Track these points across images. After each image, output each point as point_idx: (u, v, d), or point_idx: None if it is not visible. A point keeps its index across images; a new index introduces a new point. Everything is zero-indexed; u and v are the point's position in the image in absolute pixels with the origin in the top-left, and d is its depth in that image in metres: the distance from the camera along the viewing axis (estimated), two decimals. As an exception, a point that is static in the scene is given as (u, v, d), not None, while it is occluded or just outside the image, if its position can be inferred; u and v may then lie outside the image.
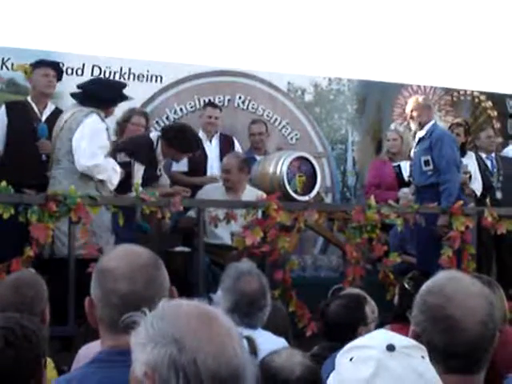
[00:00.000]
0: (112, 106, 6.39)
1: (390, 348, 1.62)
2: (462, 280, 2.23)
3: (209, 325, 1.53)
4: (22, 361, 2.63)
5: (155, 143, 6.88)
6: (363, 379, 1.58)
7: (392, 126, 8.48)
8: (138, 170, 6.69)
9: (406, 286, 5.12)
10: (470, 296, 2.14)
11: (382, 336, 1.68)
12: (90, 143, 6.02)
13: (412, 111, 7.40)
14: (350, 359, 1.65)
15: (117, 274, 2.19)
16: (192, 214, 6.84)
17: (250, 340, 3.03)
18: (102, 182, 6.12)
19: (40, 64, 6.80)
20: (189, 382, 1.48)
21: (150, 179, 6.76)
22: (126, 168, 6.50)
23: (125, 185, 6.41)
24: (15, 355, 2.63)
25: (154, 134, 7.07)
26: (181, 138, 6.81)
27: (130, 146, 6.82)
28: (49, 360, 2.79)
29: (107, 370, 2.13)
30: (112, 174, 6.19)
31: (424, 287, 2.23)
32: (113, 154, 6.43)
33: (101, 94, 6.29)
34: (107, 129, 6.22)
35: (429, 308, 2.15)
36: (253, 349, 3.03)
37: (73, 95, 6.41)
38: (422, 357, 1.64)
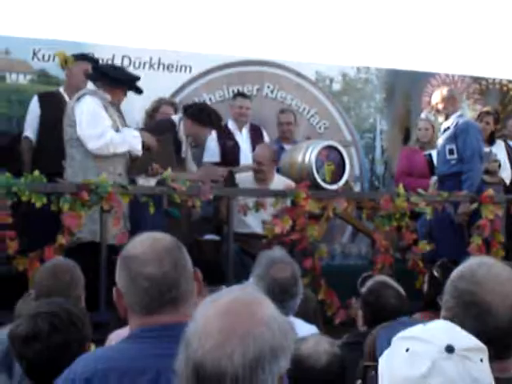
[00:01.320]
0: (119, 86, 6.35)
1: (449, 349, 1.60)
2: (493, 266, 2.24)
3: (223, 319, 1.55)
4: (69, 345, 2.69)
5: (177, 124, 6.94)
6: (414, 377, 1.57)
7: (423, 115, 8.45)
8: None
9: (435, 273, 5.14)
10: (501, 281, 2.16)
11: (443, 332, 1.65)
12: (91, 126, 6.06)
13: (437, 103, 7.40)
14: (407, 350, 1.64)
15: (144, 259, 2.22)
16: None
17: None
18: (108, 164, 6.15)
19: (82, 58, 6.85)
20: (182, 360, 1.55)
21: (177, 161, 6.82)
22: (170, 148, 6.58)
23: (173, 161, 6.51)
24: (62, 339, 2.69)
25: (175, 116, 7.14)
26: (202, 113, 6.88)
27: (154, 128, 6.89)
28: (92, 345, 2.84)
29: (138, 345, 2.18)
30: (132, 142, 6.23)
31: (455, 273, 2.25)
32: None
33: (109, 72, 6.36)
34: (105, 106, 6.20)
35: (460, 293, 2.17)
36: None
37: (86, 75, 6.51)
38: (481, 360, 1.62)
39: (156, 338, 2.17)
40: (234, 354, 1.51)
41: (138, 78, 6.50)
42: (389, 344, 1.75)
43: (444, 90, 7.59)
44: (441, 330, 1.67)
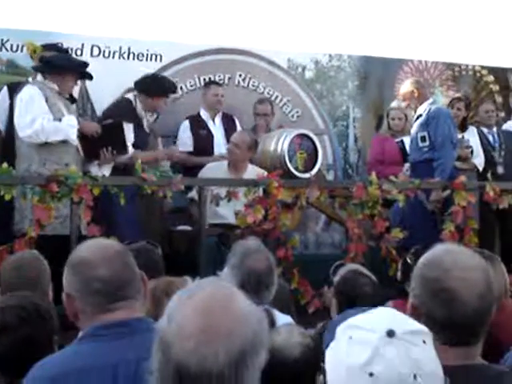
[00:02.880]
0: (65, 74, 6.34)
1: (390, 334, 1.61)
2: (460, 253, 2.24)
3: (204, 318, 1.54)
4: (37, 338, 2.68)
5: (134, 102, 6.95)
6: (357, 365, 1.58)
7: (395, 104, 8.47)
8: (128, 130, 6.72)
9: (409, 261, 5.14)
10: (468, 269, 2.16)
11: (384, 318, 1.67)
12: (22, 114, 6.09)
13: (408, 93, 7.41)
14: (350, 337, 1.65)
15: (95, 262, 2.30)
16: (194, 193, 6.87)
17: (268, 312, 3.05)
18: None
19: (51, 48, 6.78)
20: (160, 360, 1.53)
21: (140, 141, 6.84)
22: (118, 132, 6.57)
23: (120, 147, 6.50)
24: (30, 332, 2.68)
25: (130, 94, 7.12)
26: (152, 85, 6.93)
27: (113, 110, 6.92)
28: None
29: (94, 343, 2.22)
30: (68, 130, 6.20)
31: (422, 260, 2.25)
32: (101, 122, 6.59)
33: (53, 60, 6.35)
34: (48, 95, 6.20)
35: (427, 281, 2.17)
36: (271, 322, 3.05)
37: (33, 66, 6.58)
38: (424, 342, 1.63)
39: (111, 334, 2.21)
40: (219, 352, 1.51)
41: (84, 64, 6.48)
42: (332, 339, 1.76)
43: (413, 79, 7.65)
44: (382, 317, 1.68)
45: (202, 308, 1.56)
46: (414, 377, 1.55)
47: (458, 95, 8.54)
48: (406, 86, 7.49)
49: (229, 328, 1.54)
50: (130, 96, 7.04)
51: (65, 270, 2.36)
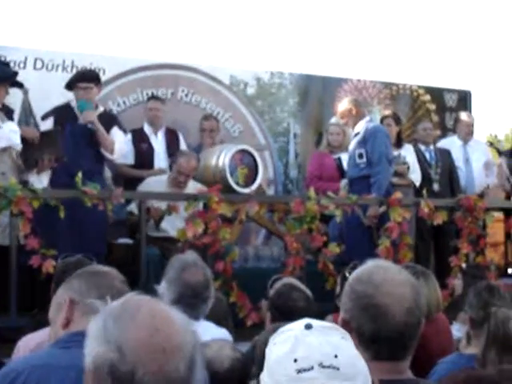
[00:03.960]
0: None
1: (308, 326, 1.67)
2: (389, 269, 2.30)
3: (158, 339, 1.54)
4: None
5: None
6: (283, 354, 1.63)
7: (334, 120, 8.61)
8: None
9: (347, 275, 5.22)
10: (397, 284, 2.21)
11: (301, 320, 1.73)
12: None
13: (346, 111, 7.54)
14: (274, 343, 1.70)
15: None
16: (133, 207, 6.90)
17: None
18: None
19: None
20: None
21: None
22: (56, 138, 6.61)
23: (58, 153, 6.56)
24: None
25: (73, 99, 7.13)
26: None
27: (54, 115, 6.95)
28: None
29: (65, 349, 2.28)
30: (11, 137, 6.20)
31: (352, 276, 2.31)
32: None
33: None
34: None
35: (357, 296, 2.22)
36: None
37: None
38: (342, 337, 1.68)
39: (82, 341, 2.26)
40: (180, 366, 1.53)
41: (13, 73, 6.46)
42: None
43: (351, 98, 7.79)
44: (300, 320, 1.73)
45: (151, 329, 1.55)
46: (335, 356, 1.61)
47: (386, 113, 8.72)
48: (344, 104, 7.61)
49: (179, 340, 1.56)
50: (73, 102, 7.05)
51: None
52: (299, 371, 1.60)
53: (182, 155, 7.23)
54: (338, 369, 1.60)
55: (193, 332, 1.62)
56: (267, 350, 1.72)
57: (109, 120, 7.11)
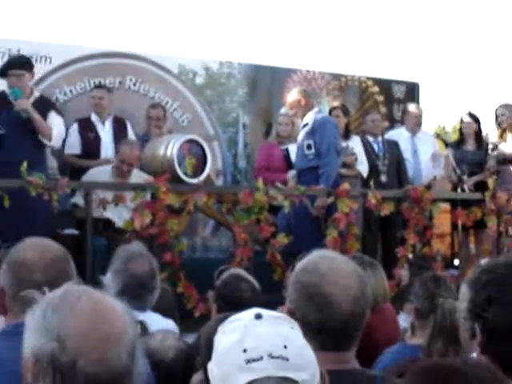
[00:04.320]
0: None
1: (258, 316, 1.66)
2: (335, 259, 2.31)
3: (98, 327, 1.54)
4: None
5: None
6: (232, 344, 1.62)
7: (283, 110, 8.61)
8: None
9: (298, 266, 5.23)
10: (343, 274, 2.22)
11: (251, 310, 1.72)
12: None
13: (295, 101, 7.55)
14: (223, 332, 1.69)
15: (31, 266, 2.37)
16: (78, 198, 6.83)
17: (142, 324, 3.09)
18: None
19: None
20: (64, 382, 1.51)
21: None
22: None
23: None
24: None
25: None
26: None
27: None
28: None
29: (10, 340, 2.21)
30: None
31: (298, 266, 2.32)
32: None
33: None
34: None
35: (303, 286, 2.22)
36: (144, 331, 3.09)
37: None
38: (292, 328, 1.68)
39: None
40: (122, 354, 1.54)
41: None
42: None
43: (300, 89, 7.80)
44: (249, 310, 1.72)
45: (92, 317, 1.56)
46: (285, 346, 1.60)
47: (334, 104, 8.76)
48: (293, 95, 7.62)
49: (120, 328, 1.56)
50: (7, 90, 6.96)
51: (3, 265, 2.43)
52: (248, 361, 1.59)
53: (124, 144, 7.18)
54: (287, 359, 1.59)
55: (133, 321, 1.62)
56: (215, 340, 1.70)
57: (45, 105, 7.03)
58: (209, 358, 1.71)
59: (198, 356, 2.95)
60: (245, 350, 1.60)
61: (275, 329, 1.64)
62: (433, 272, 5.40)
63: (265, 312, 1.69)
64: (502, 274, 2.04)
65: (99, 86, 8.09)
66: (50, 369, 1.51)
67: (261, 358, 1.59)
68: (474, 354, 3.25)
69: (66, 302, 1.58)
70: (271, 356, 1.59)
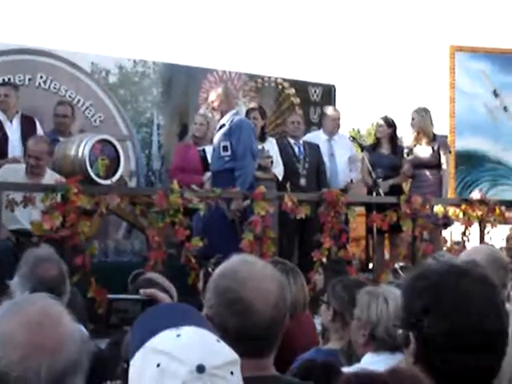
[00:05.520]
0: None
1: (200, 369, 1.55)
2: (255, 264, 2.26)
3: (36, 332, 1.52)
4: None
5: None
6: None
7: (201, 111, 8.52)
8: None
9: (210, 270, 5.14)
10: (263, 279, 2.18)
11: (196, 349, 1.59)
12: None
13: (213, 102, 7.50)
14: (158, 365, 1.58)
15: None
16: None
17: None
18: None
19: None
20: None
21: None
22: None
23: None
24: None
25: None
26: None
27: None
28: None
29: None
30: None
31: (217, 271, 2.26)
32: None
33: None
34: None
35: (222, 291, 2.17)
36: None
37: None
38: (232, 373, 1.59)
39: None
40: (41, 367, 1.50)
41: None
42: (141, 343, 1.67)
43: (220, 89, 7.71)
44: (194, 347, 1.60)
45: (32, 322, 1.54)
46: None
47: (252, 105, 8.72)
48: (213, 95, 7.55)
49: (55, 345, 1.53)
50: None
51: None
52: None
53: (31, 139, 6.97)
54: None
55: (79, 352, 1.58)
56: (146, 364, 1.60)
57: None
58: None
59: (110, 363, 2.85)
60: None
61: None
62: (356, 277, 5.42)
63: (209, 359, 1.57)
64: (437, 282, 2.01)
65: (4, 83, 7.90)
66: None
67: None
68: (368, 356, 3.27)
69: (21, 302, 1.61)
70: None
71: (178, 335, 1.63)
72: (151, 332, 1.67)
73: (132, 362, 1.66)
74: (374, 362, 3.12)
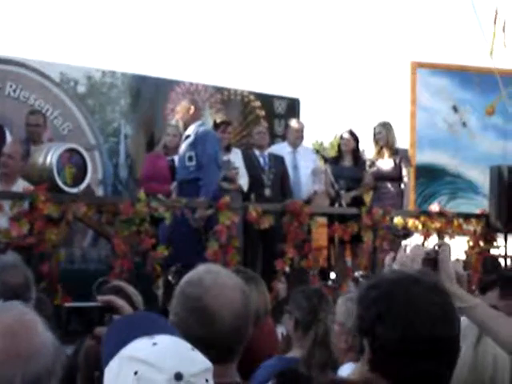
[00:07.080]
0: None
1: (178, 377, 1.58)
2: (220, 273, 2.32)
3: (10, 339, 1.56)
4: None
5: None
6: None
7: (174, 122, 8.59)
8: None
9: (170, 279, 5.21)
10: (227, 288, 2.24)
11: (173, 357, 1.61)
12: None
13: (179, 113, 7.59)
14: (135, 373, 1.58)
15: None
16: None
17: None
18: None
19: None
20: None
21: None
22: None
23: None
24: None
25: None
26: None
27: None
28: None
29: None
30: None
31: (184, 279, 2.32)
32: None
33: None
34: None
35: (187, 299, 2.23)
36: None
37: None
38: (206, 380, 1.63)
39: None
40: (16, 375, 1.52)
41: None
42: (115, 351, 1.70)
43: (186, 101, 7.80)
44: (171, 355, 1.63)
45: (7, 329, 1.56)
46: None
47: (221, 119, 8.81)
48: (182, 106, 7.64)
49: (30, 352, 1.55)
50: None
51: None
52: None
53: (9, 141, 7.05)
54: None
55: (53, 359, 1.61)
56: (123, 373, 1.60)
57: None
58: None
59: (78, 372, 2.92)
60: None
61: None
62: (316, 286, 5.48)
63: (186, 367, 1.60)
64: (389, 291, 2.05)
65: None
66: None
67: None
68: (348, 366, 3.35)
69: None
70: None
71: (155, 343, 1.63)
72: (124, 341, 1.67)
73: (107, 370, 1.65)
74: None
